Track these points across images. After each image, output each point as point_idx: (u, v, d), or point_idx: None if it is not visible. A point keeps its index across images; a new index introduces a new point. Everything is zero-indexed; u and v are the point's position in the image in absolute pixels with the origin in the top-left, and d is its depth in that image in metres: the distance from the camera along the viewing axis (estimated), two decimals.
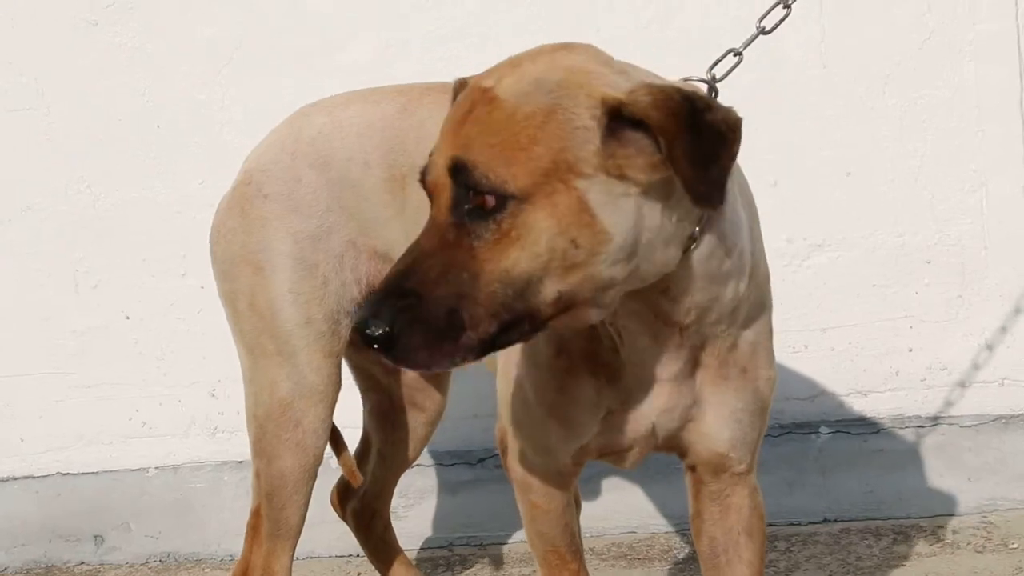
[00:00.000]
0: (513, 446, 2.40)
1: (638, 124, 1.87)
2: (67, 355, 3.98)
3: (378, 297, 1.88)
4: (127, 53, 3.91)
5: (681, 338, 2.13)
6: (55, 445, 4.00)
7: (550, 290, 1.86)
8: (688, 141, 1.84)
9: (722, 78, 2.21)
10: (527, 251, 1.85)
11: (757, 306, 2.21)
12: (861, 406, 3.82)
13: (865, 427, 3.83)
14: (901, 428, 3.81)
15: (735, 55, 2.31)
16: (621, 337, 2.15)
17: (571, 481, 2.41)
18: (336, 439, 3.06)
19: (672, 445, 2.30)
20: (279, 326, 2.73)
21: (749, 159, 3.50)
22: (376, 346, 1.87)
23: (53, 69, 3.93)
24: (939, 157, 3.76)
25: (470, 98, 1.95)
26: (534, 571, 3.38)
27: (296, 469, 2.79)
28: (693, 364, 2.19)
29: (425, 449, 3.38)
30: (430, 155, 1.98)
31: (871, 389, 3.81)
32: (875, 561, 3.51)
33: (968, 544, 3.54)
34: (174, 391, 3.96)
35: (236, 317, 2.81)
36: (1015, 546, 3.52)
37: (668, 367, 2.17)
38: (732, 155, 1.91)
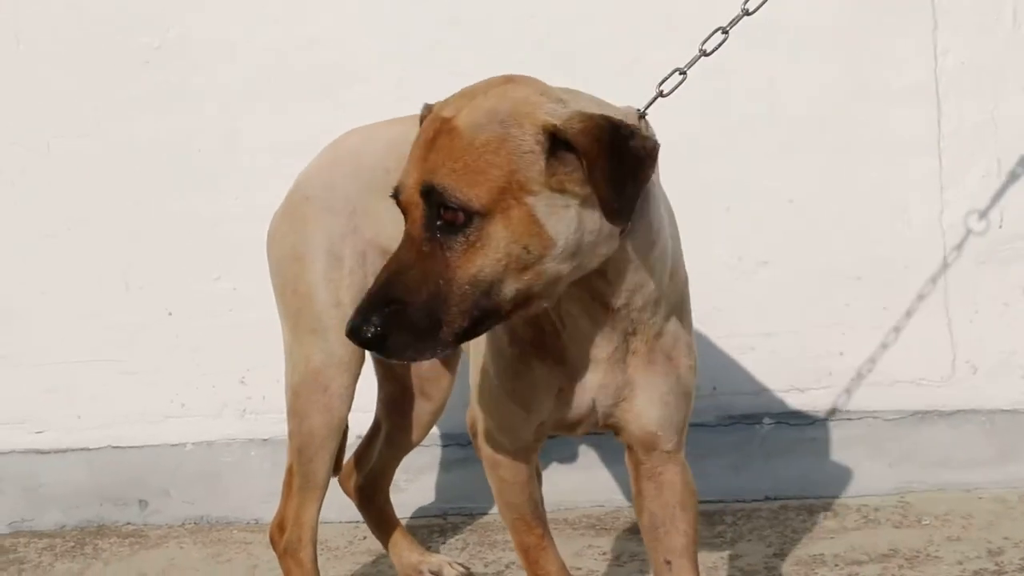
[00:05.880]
0: (482, 428, 2.51)
1: (572, 146, 2.02)
2: (117, 346, 4.12)
3: (366, 305, 2.03)
4: (173, 89, 4.06)
5: (614, 321, 2.26)
6: (107, 422, 4.15)
7: (510, 288, 2.05)
8: (607, 164, 2.00)
9: (646, 108, 2.29)
10: (490, 258, 2.02)
11: (678, 304, 2.37)
12: (799, 401, 3.94)
13: (802, 419, 3.94)
14: (833, 421, 3.92)
15: (680, 73, 2.40)
16: (563, 322, 2.27)
17: (533, 456, 2.53)
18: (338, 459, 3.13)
19: (610, 423, 2.42)
20: (314, 307, 2.89)
21: (707, 188, 3.72)
22: (369, 347, 2.04)
23: (109, 101, 4.07)
24: (867, 188, 3.86)
25: (433, 127, 2.08)
26: None
27: (323, 427, 2.93)
28: (625, 349, 2.31)
29: None
30: (400, 177, 2.11)
31: (808, 386, 3.93)
32: (808, 534, 3.61)
33: (887, 520, 3.67)
34: (208, 378, 4.11)
35: (283, 302, 2.96)
36: (927, 522, 3.62)
37: (604, 347, 2.30)
38: (646, 177, 2.07)
